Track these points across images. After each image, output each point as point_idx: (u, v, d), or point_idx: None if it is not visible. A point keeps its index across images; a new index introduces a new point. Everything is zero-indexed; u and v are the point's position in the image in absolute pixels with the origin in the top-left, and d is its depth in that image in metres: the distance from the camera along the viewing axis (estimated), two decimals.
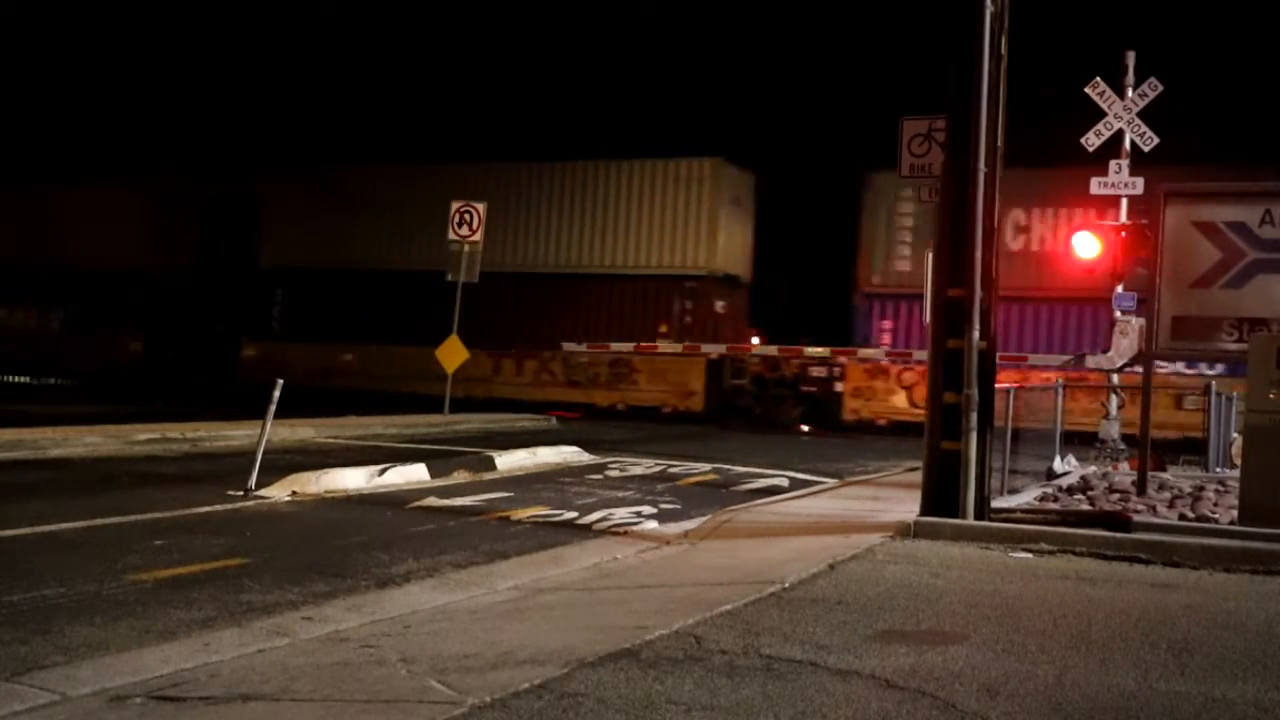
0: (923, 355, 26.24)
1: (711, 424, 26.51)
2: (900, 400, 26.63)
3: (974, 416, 9.58)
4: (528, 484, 13.60)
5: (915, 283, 27.39)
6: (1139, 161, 18.02)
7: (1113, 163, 17.99)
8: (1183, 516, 10.36)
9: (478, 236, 23.79)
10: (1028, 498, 11.58)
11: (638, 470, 15.59)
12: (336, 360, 31.48)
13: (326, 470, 12.67)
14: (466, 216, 23.81)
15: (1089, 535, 9.25)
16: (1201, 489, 12.68)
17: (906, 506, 10.57)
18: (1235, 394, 15.83)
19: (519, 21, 45.07)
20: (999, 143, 9.91)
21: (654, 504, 12.25)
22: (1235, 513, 10.18)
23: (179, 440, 16.24)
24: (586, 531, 10.41)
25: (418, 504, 11.57)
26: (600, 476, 14.67)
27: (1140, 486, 12.22)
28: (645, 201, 29.93)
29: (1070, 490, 12.56)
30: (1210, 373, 22.40)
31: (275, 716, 4.87)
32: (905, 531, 9.57)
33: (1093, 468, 15.77)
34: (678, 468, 16.09)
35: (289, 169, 35.01)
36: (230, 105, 43.38)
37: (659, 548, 9.53)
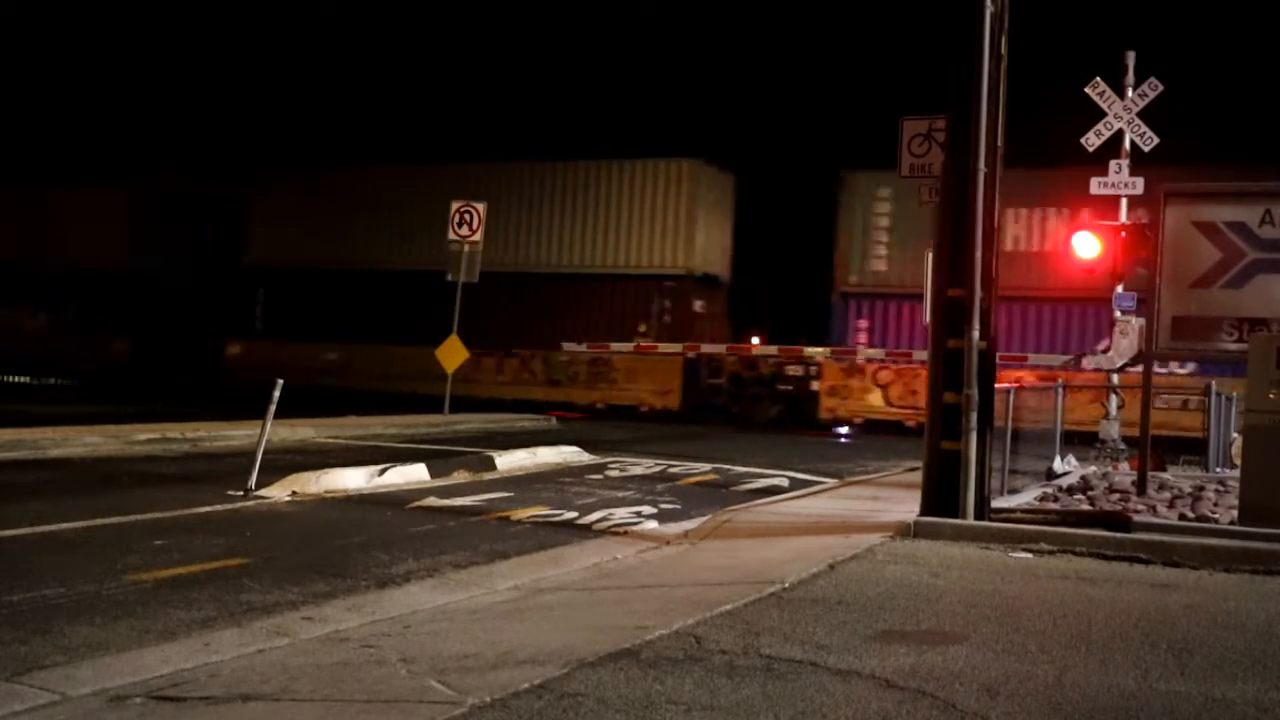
0: (900, 354, 26.91)
1: (689, 422, 26.67)
2: (876, 399, 26.84)
3: (974, 416, 9.58)
4: (528, 484, 13.60)
5: (891, 282, 27.81)
6: (1139, 161, 18.02)
7: (1113, 163, 18.00)
8: (1183, 516, 10.37)
9: (478, 236, 23.81)
10: (1028, 498, 11.58)
11: (638, 470, 15.59)
12: (320, 359, 31.58)
13: (326, 470, 12.67)
14: (466, 216, 23.83)
15: (1089, 535, 9.25)
16: (1201, 489, 12.68)
17: (906, 506, 10.57)
18: (1235, 394, 15.81)
19: (497, 25, 45.14)
20: (999, 143, 9.91)
21: (654, 504, 12.25)
22: (1235, 513, 10.18)
23: (179, 440, 16.24)
24: (586, 531, 10.41)
25: (418, 504, 11.57)
26: (600, 476, 14.67)
27: (1140, 486, 12.23)
28: (624, 202, 30.16)
29: (1070, 490, 12.56)
30: (1181, 371, 22.47)
31: (275, 716, 4.87)
32: (905, 531, 9.57)
33: (1093, 468, 15.77)
34: (678, 468, 16.09)
35: (277, 169, 35.18)
36: (224, 106, 43.47)
37: (659, 548, 9.53)
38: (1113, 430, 18.08)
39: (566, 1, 42.79)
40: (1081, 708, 5.01)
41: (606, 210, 30.22)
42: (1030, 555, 8.92)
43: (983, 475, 9.75)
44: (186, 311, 34.53)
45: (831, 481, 14.84)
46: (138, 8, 45.13)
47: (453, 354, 23.88)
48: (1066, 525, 9.71)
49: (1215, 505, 11.16)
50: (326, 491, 12.03)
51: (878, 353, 27.50)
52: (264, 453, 12.13)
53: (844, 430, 26.74)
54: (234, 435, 16.46)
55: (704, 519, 10.88)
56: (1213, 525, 9.88)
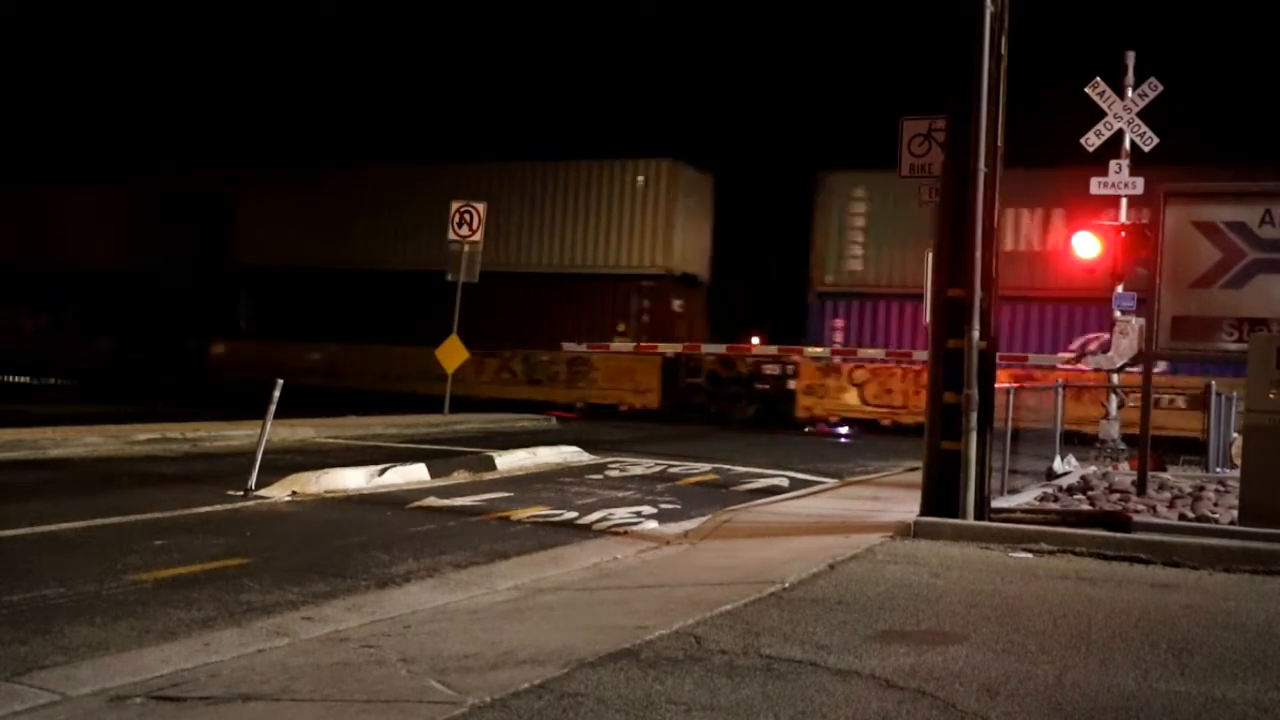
0: (872, 353, 27.26)
1: (675, 422, 26.83)
2: (852, 398, 27.08)
3: (974, 416, 9.58)
4: (528, 484, 13.60)
5: (867, 281, 28.14)
6: (1139, 161, 18.02)
7: (1113, 163, 18.00)
8: (1183, 516, 10.36)
9: (478, 236, 23.83)
10: (1028, 498, 11.58)
11: (638, 470, 15.59)
12: (310, 359, 31.70)
13: (326, 470, 12.67)
14: (466, 216, 23.84)
15: (1089, 535, 9.25)
16: (1201, 489, 12.68)
17: (906, 506, 10.57)
18: (1235, 394, 15.80)
19: (474, 23, 45.11)
20: (999, 143, 9.91)
21: (654, 504, 12.25)
22: (1235, 513, 10.18)
23: (179, 440, 16.24)
24: (586, 531, 10.41)
25: (418, 504, 11.57)
26: (600, 476, 14.67)
27: (1140, 486, 12.22)
28: (603, 202, 30.31)
29: (1070, 490, 12.56)
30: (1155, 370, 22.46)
31: (275, 716, 4.87)
32: (905, 531, 9.57)
33: (1093, 468, 15.77)
34: (678, 468, 16.09)
35: (264, 169, 35.33)
36: (225, 106, 43.39)
37: (659, 548, 9.53)
38: (1113, 430, 18.09)
39: (547, 3, 42.85)
40: (1081, 708, 5.01)
41: (585, 210, 30.41)
42: (1030, 555, 8.92)
43: (983, 475, 9.75)
44: (177, 311, 34.68)
45: (831, 481, 14.84)
46: (137, 7, 45.13)
47: (453, 354, 23.91)
48: (1066, 525, 9.71)
49: (1215, 505, 11.16)
50: (326, 491, 12.03)
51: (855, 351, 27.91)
52: (264, 453, 12.13)
53: (843, 430, 26.82)
54: (234, 435, 16.46)
55: (704, 519, 10.88)
56: (1213, 525, 9.88)
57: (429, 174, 31.51)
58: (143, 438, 16.04)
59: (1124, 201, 18.10)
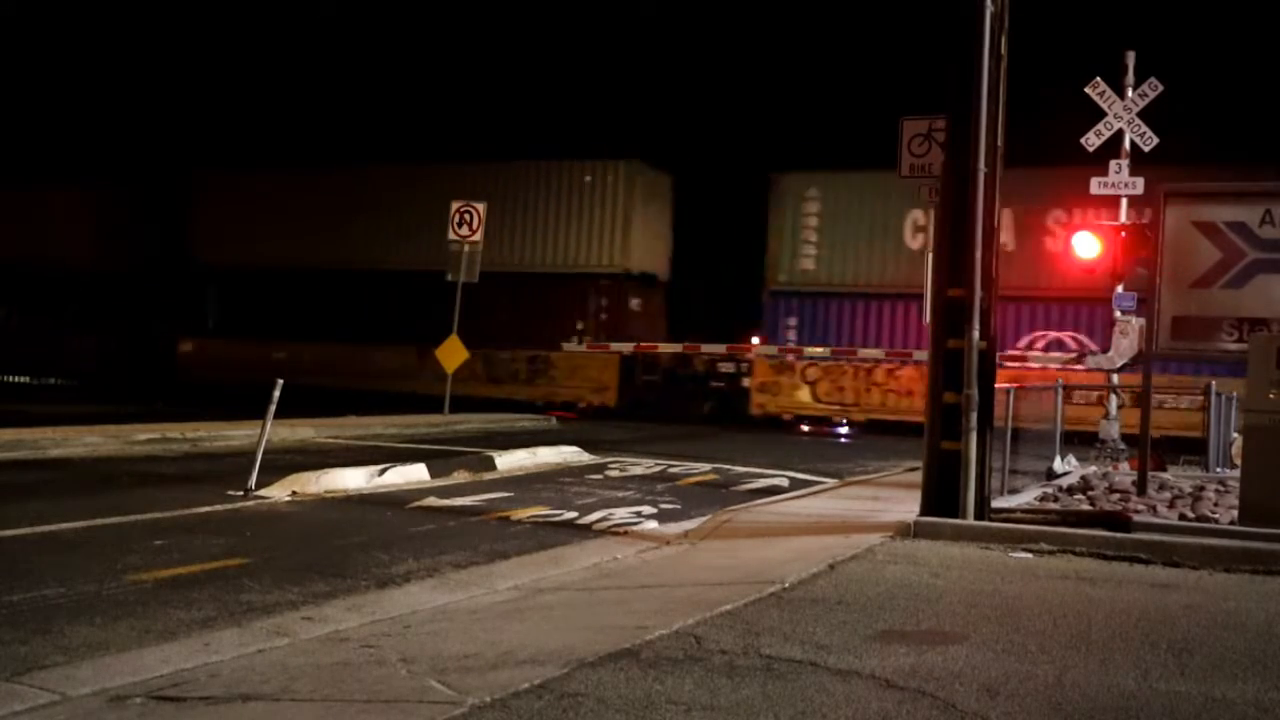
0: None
1: (623, 418, 27.08)
2: (804, 395, 27.43)
3: (974, 416, 9.58)
4: (528, 484, 13.60)
5: (819, 280, 28.56)
6: (1139, 161, 18.03)
7: (1113, 163, 18.02)
8: (1183, 516, 10.36)
9: (478, 236, 23.84)
10: (1028, 498, 11.58)
11: (638, 470, 15.59)
12: (270, 358, 31.74)
13: (326, 470, 12.67)
14: (466, 216, 23.85)
15: (1089, 535, 9.25)
16: (1201, 489, 12.68)
17: (906, 506, 10.57)
18: (1235, 394, 15.79)
19: (429, 25, 45.06)
20: (999, 143, 9.91)
21: (654, 504, 12.25)
22: (1235, 513, 10.18)
23: (179, 440, 16.24)
24: (586, 531, 10.41)
25: (418, 504, 11.57)
26: (600, 476, 14.68)
27: (1140, 486, 12.22)
28: (562, 202, 30.54)
29: (1070, 490, 12.56)
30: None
31: (275, 716, 4.87)
32: (905, 531, 9.57)
33: (1093, 468, 15.77)
34: (678, 468, 16.10)
35: (230, 169, 35.59)
36: (222, 106, 43.32)
37: (659, 548, 9.53)
38: (1113, 430, 18.09)
39: (510, 5, 42.78)
40: (1081, 708, 5.01)
41: (545, 210, 30.61)
42: (1030, 555, 8.92)
43: (983, 475, 9.75)
44: (143, 309, 34.92)
45: (831, 481, 14.84)
46: (136, 7, 45.06)
47: (452, 354, 23.92)
48: (1066, 525, 9.70)
49: (1215, 505, 11.16)
50: (326, 491, 12.03)
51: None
52: (264, 453, 12.13)
53: (844, 430, 26.88)
54: (234, 435, 16.46)
55: (704, 519, 10.88)
56: (1213, 525, 9.88)
57: (394, 174, 32.04)
58: (142, 438, 16.04)
59: (1124, 201, 18.11)
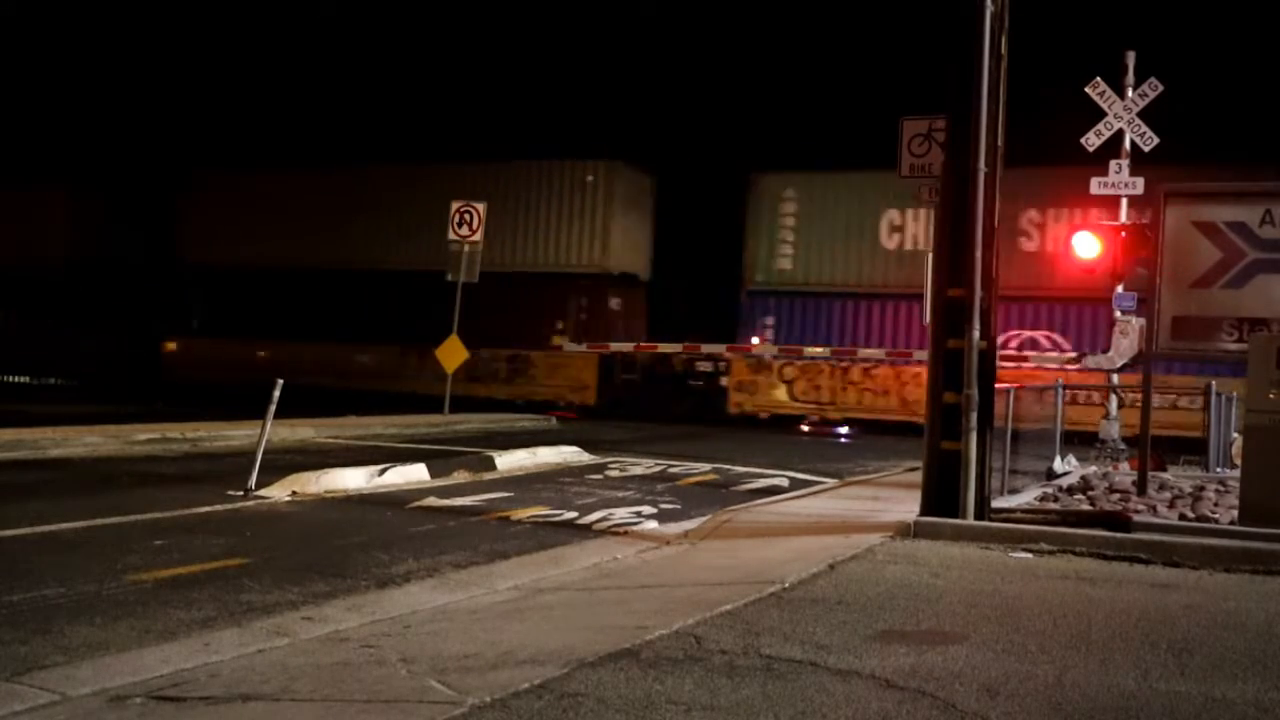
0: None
1: (601, 417, 27.19)
2: (781, 394, 27.66)
3: (974, 416, 9.58)
4: (528, 484, 13.60)
5: (796, 280, 28.78)
6: (1139, 161, 18.03)
7: (1113, 163, 18.02)
8: (1183, 516, 10.36)
9: (478, 236, 23.85)
10: (1028, 498, 11.58)
11: (638, 470, 15.59)
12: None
13: (326, 470, 12.67)
14: (466, 216, 23.86)
15: (1089, 535, 9.25)
16: (1201, 489, 12.68)
17: (906, 506, 10.57)
18: (1235, 394, 15.79)
19: (432, 23, 45.00)
20: (999, 143, 9.91)
21: (654, 504, 12.25)
22: (1235, 513, 10.18)
23: (179, 440, 16.24)
24: (586, 531, 10.41)
25: (418, 504, 11.57)
26: (600, 476, 14.68)
27: (1140, 486, 12.22)
28: (544, 202, 30.67)
29: (1070, 490, 12.55)
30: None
31: (275, 716, 4.87)
32: (905, 531, 9.57)
33: (1093, 468, 15.77)
34: (678, 468, 16.10)
35: (215, 169, 35.65)
36: (222, 105, 43.30)
37: (659, 548, 9.53)
38: (1113, 430, 18.09)
39: (492, 5, 42.75)
40: (1081, 708, 5.01)
41: (525, 210, 30.69)
42: (1030, 555, 8.92)
43: (983, 475, 9.75)
44: (129, 308, 35.03)
45: (831, 481, 14.84)
46: (136, 7, 45.03)
47: (453, 353, 23.93)
48: (1066, 525, 9.70)
49: (1215, 505, 11.16)
50: (326, 491, 12.03)
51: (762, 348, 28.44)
52: (264, 453, 12.13)
53: (844, 430, 26.90)
54: (234, 435, 16.46)
55: (704, 519, 10.88)
56: (1213, 525, 9.88)
57: (388, 174, 32.19)
58: (142, 438, 16.04)
59: (1124, 201, 18.10)
